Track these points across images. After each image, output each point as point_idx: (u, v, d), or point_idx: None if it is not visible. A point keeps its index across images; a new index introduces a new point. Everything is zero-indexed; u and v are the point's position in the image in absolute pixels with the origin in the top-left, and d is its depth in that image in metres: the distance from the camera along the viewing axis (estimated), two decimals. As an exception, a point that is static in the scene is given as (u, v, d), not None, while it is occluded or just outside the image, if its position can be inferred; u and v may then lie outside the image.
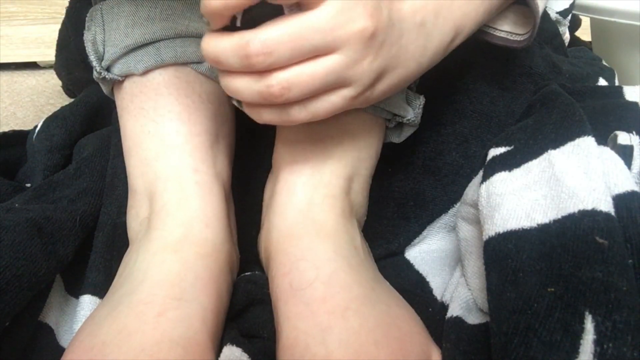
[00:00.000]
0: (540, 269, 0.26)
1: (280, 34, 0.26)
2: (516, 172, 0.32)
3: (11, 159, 0.52)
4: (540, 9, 0.38)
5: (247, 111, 0.31)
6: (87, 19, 0.38)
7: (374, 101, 0.32)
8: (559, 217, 0.28)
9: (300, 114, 0.29)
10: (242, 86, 0.28)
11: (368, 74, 0.29)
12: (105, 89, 0.41)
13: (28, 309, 0.34)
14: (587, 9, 0.63)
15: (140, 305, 0.31)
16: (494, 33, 0.40)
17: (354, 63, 0.28)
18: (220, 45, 0.27)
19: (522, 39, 0.40)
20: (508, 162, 0.33)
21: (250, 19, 0.27)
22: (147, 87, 0.38)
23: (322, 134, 0.37)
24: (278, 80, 0.27)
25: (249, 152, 0.45)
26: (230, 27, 0.28)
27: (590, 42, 0.74)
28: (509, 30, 0.40)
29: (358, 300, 0.31)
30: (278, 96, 0.28)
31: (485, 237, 0.30)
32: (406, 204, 0.43)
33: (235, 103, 0.33)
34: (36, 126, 0.52)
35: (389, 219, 0.43)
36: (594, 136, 0.31)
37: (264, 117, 0.30)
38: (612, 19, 0.59)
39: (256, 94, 0.28)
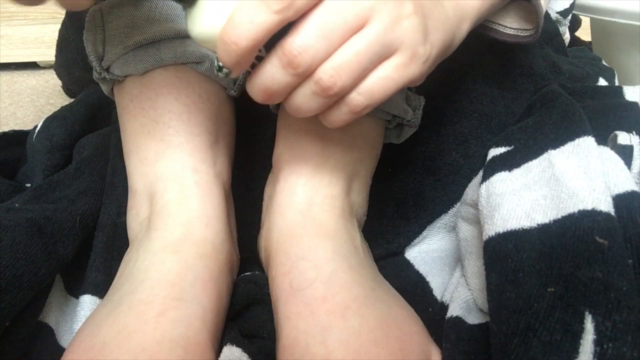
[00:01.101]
0: (540, 269, 0.26)
1: (307, 27, 0.26)
2: (516, 172, 0.32)
3: (11, 159, 0.52)
4: (543, 2, 0.38)
5: (323, 122, 0.31)
6: (86, 19, 0.38)
7: (428, 68, 0.30)
8: (559, 217, 0.28)
9: (358, 101, 0.28)
10: (301, 98, 0.28)
11: (412, 31, 0.28)
12: (105, 89, 0.41)
13: (28, 309, 0.34)
14: (587, 9, 0.63)
15: (141, 306, 0.31)
16: (504, 31, 0.40)
17: (392, 24, 0.27)
18: (264, 73, 0.27)
19: (529, 33, 0.40)
20: (508, 162, 0.33)
21: (268, 47, 0.27)
22: (147, 87, 0.38)
23: (322, 134, 0.37)
24: (324, 71, 0.27)
25: (249, 152, 0.45)
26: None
27: (590, 42, 0.74)
28: (517, 27, 0.40)
29: (358, 300, 0.31)
30: (331, 86, 0.27)
31: (485, 237, 0.30)
32: (406, 204, 0.43)
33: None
34: (36, 126, 0.52)
35: (389, 219, 0.43)
36: (594, 136, 0.31)
37: (334, 119, 0.30)
38: (612, 19, 0.59)
39: (313, 97, 0.28)
